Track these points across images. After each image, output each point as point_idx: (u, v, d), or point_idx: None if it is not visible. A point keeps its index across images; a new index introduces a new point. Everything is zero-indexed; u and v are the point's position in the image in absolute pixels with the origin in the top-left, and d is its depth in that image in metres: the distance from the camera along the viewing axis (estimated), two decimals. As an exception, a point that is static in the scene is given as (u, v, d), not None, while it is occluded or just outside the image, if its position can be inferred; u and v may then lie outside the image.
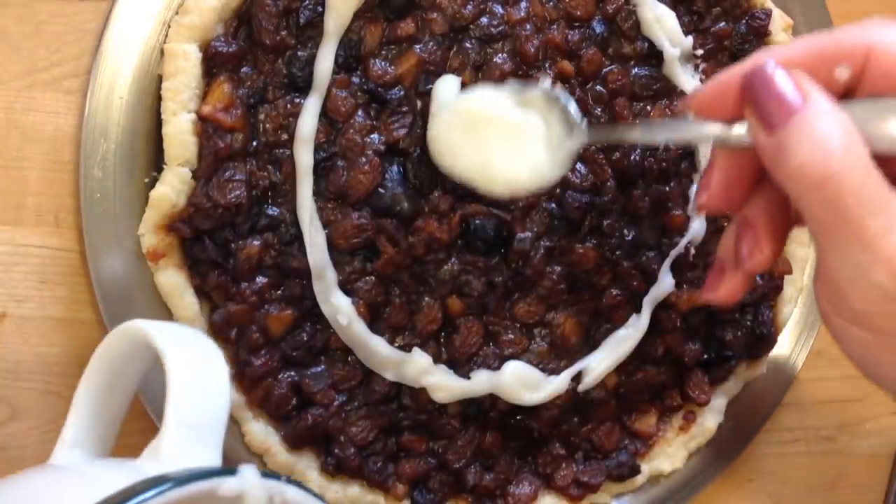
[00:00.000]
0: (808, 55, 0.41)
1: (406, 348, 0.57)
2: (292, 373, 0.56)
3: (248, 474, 0.33)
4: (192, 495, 0.32)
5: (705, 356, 0.65)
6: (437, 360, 0.57)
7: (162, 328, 0.38)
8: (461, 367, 0.58)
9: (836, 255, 0.38)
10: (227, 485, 0.32)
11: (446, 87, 0.55)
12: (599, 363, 0.60)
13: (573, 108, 0.52)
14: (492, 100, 0.52)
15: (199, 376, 0.37)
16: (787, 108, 0.38)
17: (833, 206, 0.37)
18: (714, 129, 0.43)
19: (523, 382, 0.58)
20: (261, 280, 0.55)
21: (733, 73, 0.42)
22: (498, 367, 0.58)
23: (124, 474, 0.34)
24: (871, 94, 0.40)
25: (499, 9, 0.58)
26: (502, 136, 0.51)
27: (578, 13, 0.59)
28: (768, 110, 0.39)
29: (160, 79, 0.53)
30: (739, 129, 0.42)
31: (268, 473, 0.34)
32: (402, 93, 0.56)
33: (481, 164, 0.51)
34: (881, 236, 0.37)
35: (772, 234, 0.44)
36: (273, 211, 0.55)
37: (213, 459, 0.36)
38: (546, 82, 0.52)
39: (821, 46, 0.41)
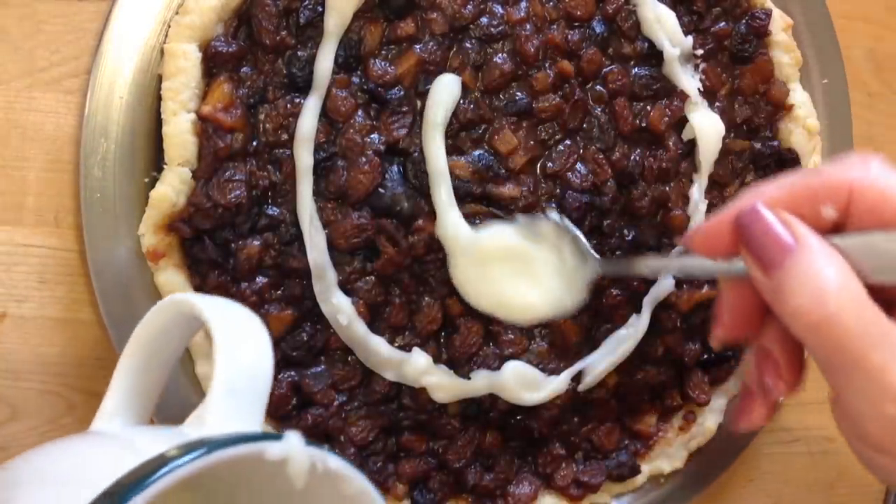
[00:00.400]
0: (793, 196, 0.42)
1: (406, 348, 0.57)
2: (292, 373, 0.56)
3: (294, 440, 0.33)
4: (238, 457, 0.32)
5: (705, 356, 0.65)
6: (437, 360, 0.57)
7: (208, 301, 0.39)
8: (461, 367, 0.58)
9: (848, 391, 0.39)
10: (272, 449, 0.33)
11: (445, 87, 0.55)
12: (599, 363, 0.60)
13: (583, 239, 0.55)
14: (504, 237, 0.56)
15: (244, 346, 0.37)
16: (781, 250, 0.40)
17: (834, 345, 0.38)
18: (720, 265, 0.44)
19: (523, 382, 0.58)
20: (261, 280, 0.55)
21: (726, 214, 0.43)
22: (498, 367, 0.58)
23: (169, 439, 0.34)
24: (859, 228, 0.41)
25: (499, 9, 0.58)
26: (517, 270, 0.55)
27: (578, 13, 0.59)
28: (763, 253, 0.40)
29: (160, 79, 0.53)
30: (741, 264, 0.43)
31: (311, 442, 0.34)
32: (402, 93, 0.56)
33: (500, 298, 0.55)
34: (886, 369, 0.37)
35: (791, 361, 0.45)
36: (273, 211, 0.55)
37: (256, 428, 0.37)
38: (554, 214, 0.55)
39: (804, 186, 0.42)
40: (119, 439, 0.39)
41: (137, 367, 0.41)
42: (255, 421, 0.37)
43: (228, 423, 0.35)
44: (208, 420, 0.35)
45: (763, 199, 0.42)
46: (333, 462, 0.34)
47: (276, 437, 0.33)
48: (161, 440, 0.34)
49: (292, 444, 0.33)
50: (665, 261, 0.57)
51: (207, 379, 0.54)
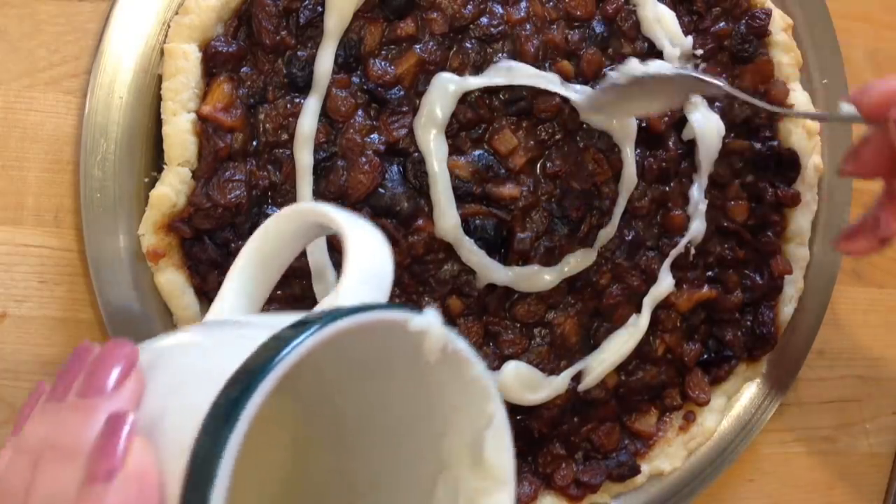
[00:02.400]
0: None
1: (406, 348, 0.57)
2: (292, 373, 0.56)
3: (432, 315, 0.34)
4: (385, 323, 0.33)
5: (705, 356, 0.65)
6: (437, 360, 0.57)
7: (334, 208, 0.40)
8: (461, 367, 0.58)
9: None
10: (417, 319, 0.33)
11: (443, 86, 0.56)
12: (599, 363, 0.60)
13: None
14: None
15: (371, 246, 0.38)
16: None
17: None
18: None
19: (523, 382, 0.58)
20: (261, 280, 0.55)
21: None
22: (498, 367, 0.58)
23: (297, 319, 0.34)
24: None
25: (499, 9, 0.58)
26: None
27: (578, 13, 0.59)
28: None
29: (160, 79, 0.53)
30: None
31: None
32: (402, 93, 0.56)
33: None
34: None
35: None
36: (273, 211, 0.55)
37: None
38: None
39: None
40: (247, 323, 0.39)
41: (252, 269, 0.41)
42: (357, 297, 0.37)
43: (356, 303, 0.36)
44: (342, 299, 0.35)
45: None
46: (461, 344, 0.34)
47: (418, 309, 0.34)
48: (293, 317, 0.33)
49: (433, 317, 0.33)
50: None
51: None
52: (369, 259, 0.37)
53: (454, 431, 0.36)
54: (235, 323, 0.39)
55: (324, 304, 0.36)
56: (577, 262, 0.59)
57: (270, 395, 0.29)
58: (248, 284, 0.41)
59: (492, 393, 0.35)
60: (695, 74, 0.55)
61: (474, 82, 0.56)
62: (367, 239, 0.38)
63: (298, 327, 0.30)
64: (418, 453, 0.38)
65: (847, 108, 0.52)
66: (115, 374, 0.33)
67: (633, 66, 0.55)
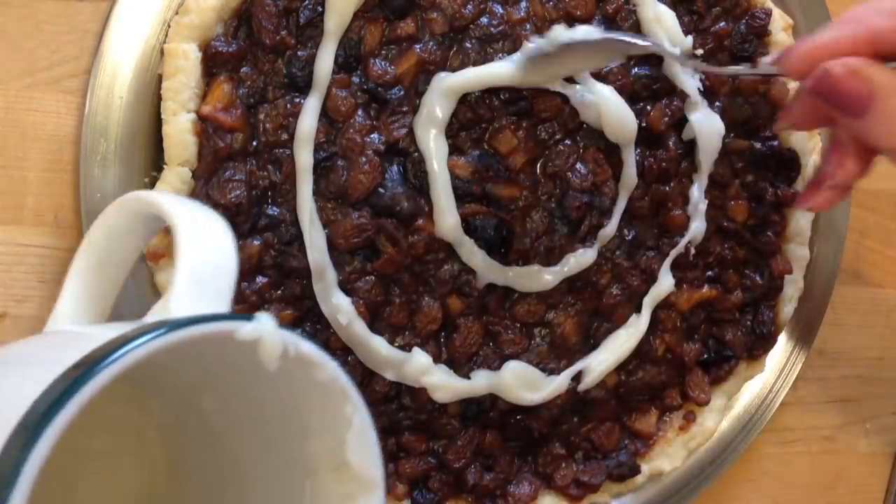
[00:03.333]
0: (854, 44, 0.47)
1: (406, 348, 0.57)
2: (292, 373, 0.56)
3: (265, 320, 0.31)
4: (208, 336, 0.30)
5: (705, 356, 0.65)
6: (437, 359, 0.57)
7: (170, 197, 0.37)
8: (461, 366, 0.58)
9: None
10: (244, 329, 0.31)
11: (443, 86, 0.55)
12: (599, 363, 0.60)
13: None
14: None
15: (207, 237, 0.35)
16: (861, 102, 0.45)
17: None
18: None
19: (523, 382, 0.58)
20: (261, 280, 0.55)
21: (805, 78, 0.48)
22: (498, 367, 0.58)
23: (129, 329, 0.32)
24: None
25: (499, 8, 0.58)
26: None
27: (578, 13, 0.59)
28: (844, 108, 0.46)
29: (160, 78, 0.53)
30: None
31: (283, 326, 0.32)
32: (402, 92, 0.56)
33: None
34: None
35: (857, 153, 0.51)
36: (273, 211, 0.55)
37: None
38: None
39: (868, 33, 0.47)
40: (75, 334, 0.36)
41: (92, 268, 0.39)
42: (218, 310, 0.34)
43: (189, 311, 0.33)
44: (172, 309, 0.33)
45: (830, 53, 0.47)
46: (306, 346, 0.32)
47: (248, 317, 0.31)
48: (124, 328, 0.31)
49: (265, 324, 0.31)
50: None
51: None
52: (203, 255, 0.34)
53: (316, 435, 0.35)
54: (62, 339, 0.36)
55: (154, 311, 0.34)
56: (577, 261, 0.59)
57: (125, 401, 0.27)
58: (89, 286, 0.39)
59: (349, 394, 0.33)
60: (623, 37, 0.55)
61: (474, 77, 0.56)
62: (201, 231, 0.35)
63: (88, 360, 0.28)
64: (285, 458, 0.36)
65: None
66: None
67: (559, 33, 0.55)
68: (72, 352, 0.29)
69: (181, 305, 0.33)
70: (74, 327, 0.39)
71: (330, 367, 0.32)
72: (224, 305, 0.34)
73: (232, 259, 0.35)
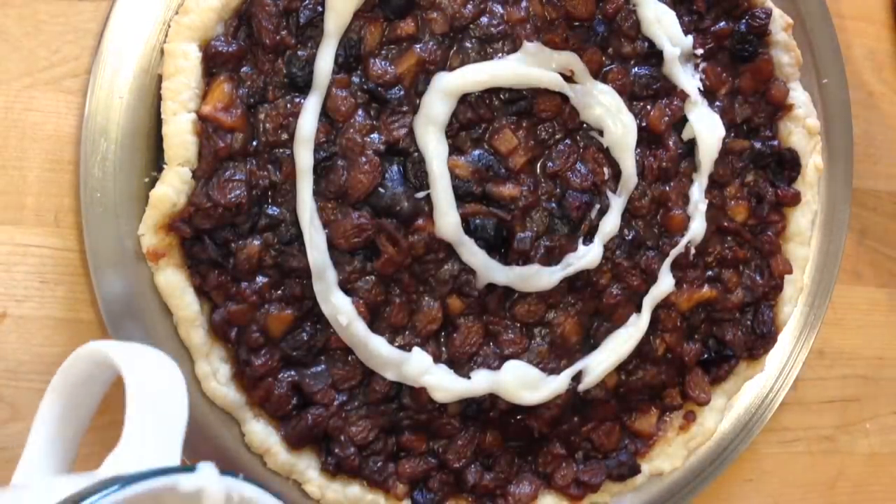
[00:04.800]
0: None
1: (406, 348, 0.57)
2: (292, 372, 0.56)
3: (206, 471, 0.33)
4: (150, 492, 0.32)
5: (705, 355, 0.65)
6: (437, 359, 0.57)
7: (121, 347, 0.39)
8: (461, 366, 0.58)
9: None
10: (186, 481, 0.32)
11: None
12: (599, 363, 0.60)
13: None
14: None
15: (156, 387, 0.37)
16: None
17: None
18: None
19: (523, 382, 0.58)
20: (261, 280, 0.55)
21: None
22: (498, 367, 0.58)
23: (85, 483, 0.34)
24: None
25: (499, 8, 0.58)
26: None
27: (578, 13, 0.59)
28: None
29: (160, 78, 0.53)
30: None
31: (226, 472, 0.34)
32: (402, 92, 0.56)
33: None
34: None
35: None
36: (273, 210, 0.55)
37: (174, 464, 0.37)
38: None
39: None
40: (39, 490, 0.38)
41: (57, 416, 0.41)
42: (171, 460, 0.37)
43: (144, 461, 0.35)
44: (123, 460, 0.35)
45: None
46: (249, 491, 0.34)
47: (189, 469, 0.33)
48: (81, 484, 0.33)
49: (205, 475, 0.33)
50: None
51: (207, 378, 0.54)
52: (151, 402, 0.36)
53: None
54: (21, 496, 0.38)
55: (107, 463, 0.36)
56: (581, 261, 0.59)
57: None
58: (54, 433, 0.41)
59: None
60: None
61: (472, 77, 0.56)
62: (148, 377, 0.37)
63: None
64: None
65: None
66: None
67: None
68: None
69: (132, 458, 0.35)
70: (40, 480, 0.40)
71: None
72: (175, 451, 0.36)
73: (181, 406, 0.37)
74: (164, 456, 0.36)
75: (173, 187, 0.52)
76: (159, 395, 0.37)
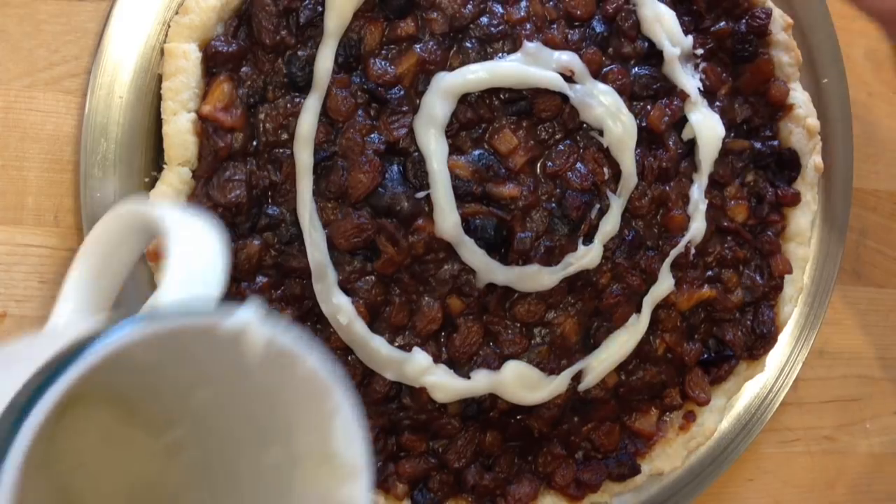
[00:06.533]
0: None
1: (406, 348, 0.57)
2: (292, 372, 0.56)
3: (251, 311, 0.31)
4: (189, 329, 0.30)
5: (705, 356, 0.65)
6: (437, 359, 0.57)
7: (164, 208, 0.37)
8: (461, 366, 0.58)
9: None
10: (229, 321, 0.30)
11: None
12: (600, 363, 0.60)
13: None
14: None
15: (196, 238, 0.36)
16: None
17: None
18: None
19: (523, 382, 0.58)
20: (261, 280, 0.55)
21: None
22: (498, 367, 0.58)
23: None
24: None
25: (499, 8, 0.58)
26: None
27: (578, 13, 0.59)
28: None
29: (160, 78, 0.53)
30: None
31: (268, 317, 0.32)
32: (402, 92, 0.56)
33: None
34: None
35: None
36: (273, 211, 0.55)
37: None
38: None
39: None
40: (64, 334, 0.36)
41: (91, 273, 0.40)
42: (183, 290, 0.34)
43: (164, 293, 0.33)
44: (160, 304, 0.33)
45: None
46: (287, 339, 0.32)
47: (232, 308, 0.31)
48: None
49: (249, 314, 0.31)
50: None
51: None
52: (192, 255, 0.35)
53: (301, 426, 0.35)
54: (49, 339, 0.37)
55: (143, 310, 0.34)
56: (580, 262, 0.59)
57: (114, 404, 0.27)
58: (85, 294, 0.40)
59: (331, 386, 0.33)
60: None
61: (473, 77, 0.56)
62: (190, 232, 0.35)
63: (70, 354, 0.28)
64: (273, 449, 0.36)
65: None
66: None
67: None
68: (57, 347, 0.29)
69: (168, 301, 0.33)
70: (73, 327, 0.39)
71: (311, 360, 0.32)
72: (212, 303, 0.35)
73: (221, 259, 0.35)
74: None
75: (173, 187, 0.52)
76: (199, 247, 0.35)
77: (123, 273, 0.40)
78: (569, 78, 0.59)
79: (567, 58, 0.58)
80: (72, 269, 0.40)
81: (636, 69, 0.61)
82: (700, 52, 0.63)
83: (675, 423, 0.65)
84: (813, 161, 0.66)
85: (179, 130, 0.53)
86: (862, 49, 0.74)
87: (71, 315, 0.39)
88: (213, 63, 0.53)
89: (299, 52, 0.55)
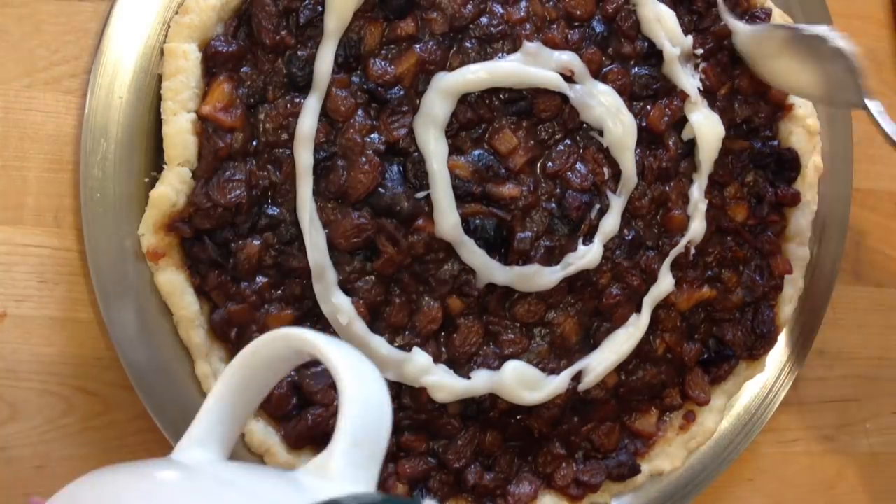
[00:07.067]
0: None
1: (406, 348, 0.57)
2: (292, 372, 0.56)
3: None
4: None
5: (705, 355, 0.65)
6: (437, 359, 0.57)
7: (330, 344, 0.38)
8: (461, 366, 0.58)
9: None
10: None
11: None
12: (599, 363, 0.60)
13: None
14: None
15: (367, 394, 0.36)
16: None
17: None
18: None
19: (523, 382, 0.58)
20: (261, 280, 0.55)
21: None
22: (498, 367, 0.58)
23: (290, 489, 0.33)
24: None
25: (499, 8, 0.58)
26: None
27: (578, 13, 0.59)
28: None
29: (160, 78, 0.53)
30: None
31: None
32: (402, 92, 0.56)
33: None
34: None
35: None
36: (273, 210, 0.55)
37: (372, 483, 0.36)
38: None
39: None
40: (215, 477, 0.37)
41: (230, 397, 0.40)
42: (372, 476, 0.36)
43: (348, 475, 0.34)
44: (332, 470, 0.34)
45: None
46: None
47: (415, 502, 0.32)
48: (279, 487, 0.32)
49: None
50: None
51: (207, 379, 0.54)
52: (365, 415, 0.35)
53: None
54: (216, 479, 0.37)
55: (312, 468, 0.35)
56: (580, 262, 0.59)
57: None
58: (226, 409, 0.40)
59: None
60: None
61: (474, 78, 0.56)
62: (362, 386, 0.36)
63: None
64: None
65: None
66: None
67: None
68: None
69: (340, 470, 0.34)
70: (208, 464, 0.39)
71: None
72: (377, 466, 0.36)
73: (388, 417, 0.36)
74: (366, 473, 0.35)
75: (173, 187, 0.52)
76: (371, 406, 0.36)
77: (263, 394, 0.41)
78: (569, 78, 0.59)
79: (567, 58, 0.58)
80: (218, 383, 0.40)
81: (636, 69, 0.61)
82: (700, 52, 0.63)
83: (675, 423, 0.65)
84: (813, 161, 0.66)
85: (179, 130, 0.53)
86: (862, 49, 0.74)
87: (207, 431, 0.39)
88: (212, 63, 0.53)
89: (299, 52, 0.55)
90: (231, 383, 0.40)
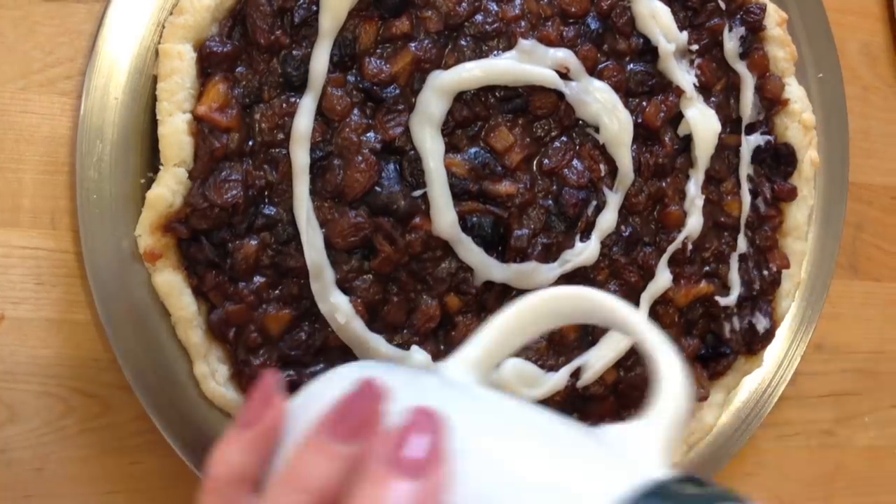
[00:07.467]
0: None
1: (404, 346, 0.57)
2: (291, 372, 0.56)
3: None
4: None
5: (703, 351, 0.65)
6: (435, 358, 0.57)
7: (642, 319, 0.38)
8: (460, 364, 0.58)
9: None
10: None
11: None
12: (598, 359, 0.60)
13: None
14: None
15: (684, 379, 0.36)
16: None
17: None
18: None
19: (522, 379, 0.58)
20: (258, 280, 0.55)
21: None
22: (497, 365, 0.58)
23: (593, 444, 0.33)
24: None
25: (493, 6, 0.58)
26: None
27: (573, 9, 0.59)
28: None
29: (155, 79, 0.53)
30: None
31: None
32: (397, 91, 0.56)
33: None
34: None
35: None
36: (270, 210, 0.55)
37: (664, 467, 0.36)
38: None
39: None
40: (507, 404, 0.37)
41: (511, 327, 0.40)
42: (667, 461, 0.36)
43: (653, 461, 0.34)
44: (643, 447, 0.34)
45: None
46: None
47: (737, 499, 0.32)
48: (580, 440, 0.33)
49: None
50: None
51: (206, 378, 0.54)
52: (681, 409, 0.35)
53: None
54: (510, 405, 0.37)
55: (609, 433, 0.35)
56: (576, 258, 0.59)
57: None
58: (501, 341, 0.40)
59: None
60: None
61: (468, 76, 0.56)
62: (679, 366, 0.36)
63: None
64: None
65: None
66: (423, 448, 0.32)
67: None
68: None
69: (654, 462, 0.34)
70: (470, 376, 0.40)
71: None
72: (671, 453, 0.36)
73: (688, 411, 0.36)
74: (667, 457, 0.35)
75: (169, 188, 0.52)
76: (686, 399, 0.36)
77: (531, 337, 0.41)
78: (564, 75, 0.59)
79: (562, 55, 0.59)
80: (501, 314, 0.40)
81: (631, 65, 0.61)
82: (695, 47, 0.63)
83: (674, 418, 0.65)
84: (809, 156, 0.66)
85: (175, 131, 0.52)
86: (857, 44, 0.74)
87: (476, 357, 0.41)
88: (207, 63, 0.53)
89: (294, 52, 0.55)
90: (521, 317, 0.40)
